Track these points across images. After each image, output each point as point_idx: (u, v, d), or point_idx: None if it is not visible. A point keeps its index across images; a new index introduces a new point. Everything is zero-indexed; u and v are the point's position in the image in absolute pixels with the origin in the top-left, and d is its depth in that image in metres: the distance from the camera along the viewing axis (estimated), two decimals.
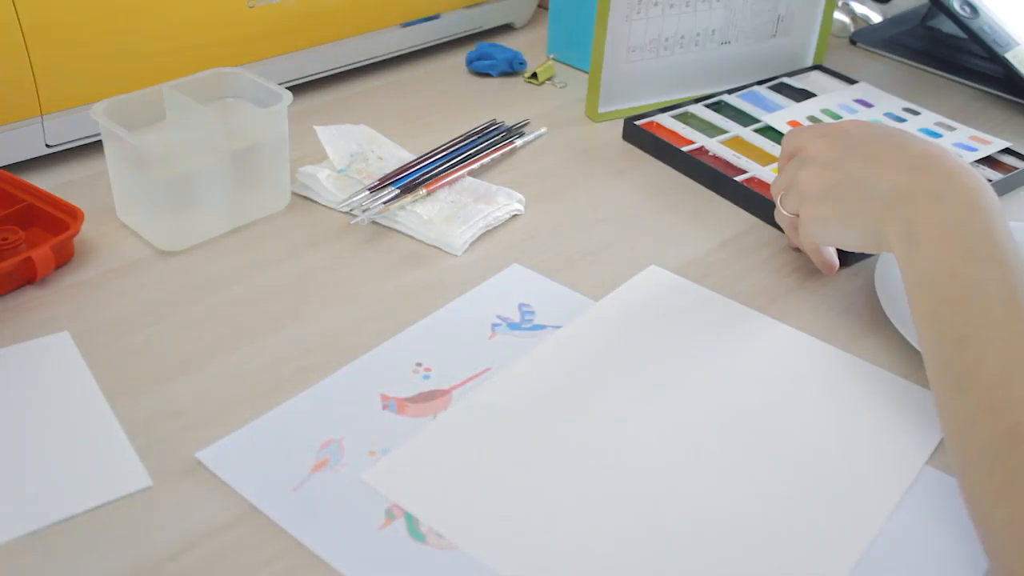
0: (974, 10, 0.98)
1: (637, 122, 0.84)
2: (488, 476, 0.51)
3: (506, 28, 1.06)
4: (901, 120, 0.88)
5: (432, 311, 0.63)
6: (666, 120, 0.85)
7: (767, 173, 0.77)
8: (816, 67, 0.96)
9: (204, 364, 0.58)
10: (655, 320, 0.63)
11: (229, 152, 0.67)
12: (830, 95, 0.91)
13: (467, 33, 1.01)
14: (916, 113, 0.89)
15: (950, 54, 1.04)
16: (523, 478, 0.51)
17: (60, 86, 0.73)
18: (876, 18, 1.12)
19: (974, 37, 0.96)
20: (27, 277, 0.63)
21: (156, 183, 0.65)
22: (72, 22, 0.72)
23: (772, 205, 0.68)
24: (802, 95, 0.91)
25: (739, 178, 0.76)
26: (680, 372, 0.59)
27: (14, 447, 0.52)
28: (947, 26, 1.06)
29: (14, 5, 0.69)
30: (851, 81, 0.94)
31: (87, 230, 0.68)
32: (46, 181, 0.72)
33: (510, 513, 0.49)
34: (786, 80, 0.93)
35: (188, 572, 0.46)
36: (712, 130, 0.84)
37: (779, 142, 0.80)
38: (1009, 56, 0.95)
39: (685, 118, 0.86)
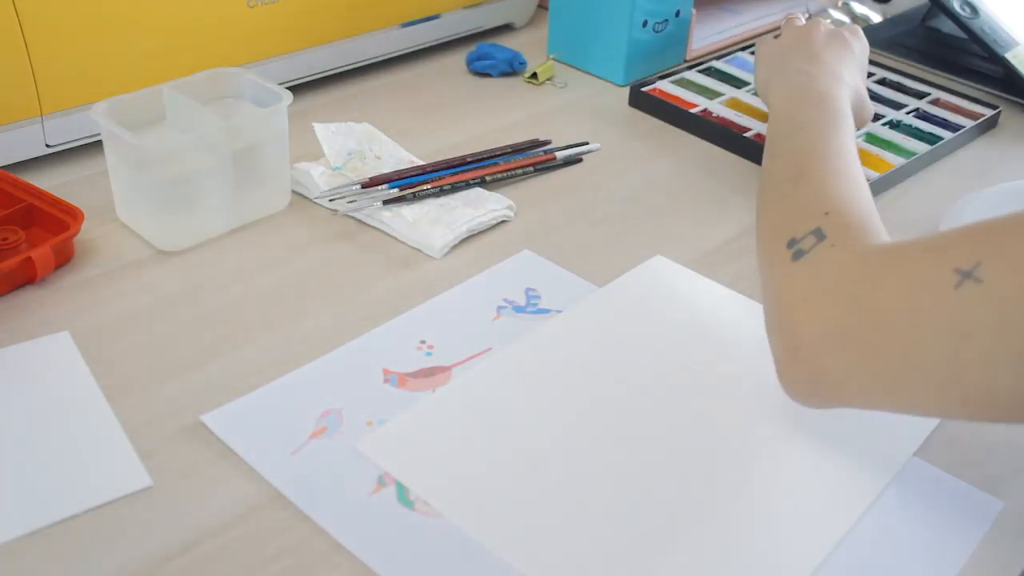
0: (974, 10, 0.98)
1: (643, 89, 0.90)
2: (479, 451, 0.53)
3: (506, 28, 1.06)
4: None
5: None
6: (666, 86, 0.92)
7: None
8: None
9: (204, 364, 0.58)
10: (655, 308, 0.64)
11: (229, 152, 0.67)
12: None
13: (467, 33, 1.00)
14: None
15: (950, 54, 1.04)
16: (513, 454, 0.53)
17: (60, 86, 0.73)
18: (876, 18, 1.12)
19: (974, 37, 0.96)
20: (27, 277, 0.63)
21: (156, 183, 0.65)
22: (72, 22, 0.72)
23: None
24: None
25: (747, 135, 0.84)
26: (677, 359, 0.60)
27: (14, 447, 0.52)
28: (947, 26, 1.06)
29: (14, 5, 0.69)
30: None
31: (87, 230, 0.68)
32: (46, 181, 0.72)
33: (498, 487, 0.51)
34: None
35: (188, 572, 0.46)
36: (709, 93, 0.91)
37: None
38: (1009, 56, 0.95)
39: (682, 83, 0.92)
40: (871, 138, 0.86)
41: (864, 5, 1.14)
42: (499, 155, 0.79)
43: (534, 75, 0.94)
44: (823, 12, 1.10)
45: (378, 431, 0.54)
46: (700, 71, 0.95)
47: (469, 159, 0.77)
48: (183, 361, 0.58)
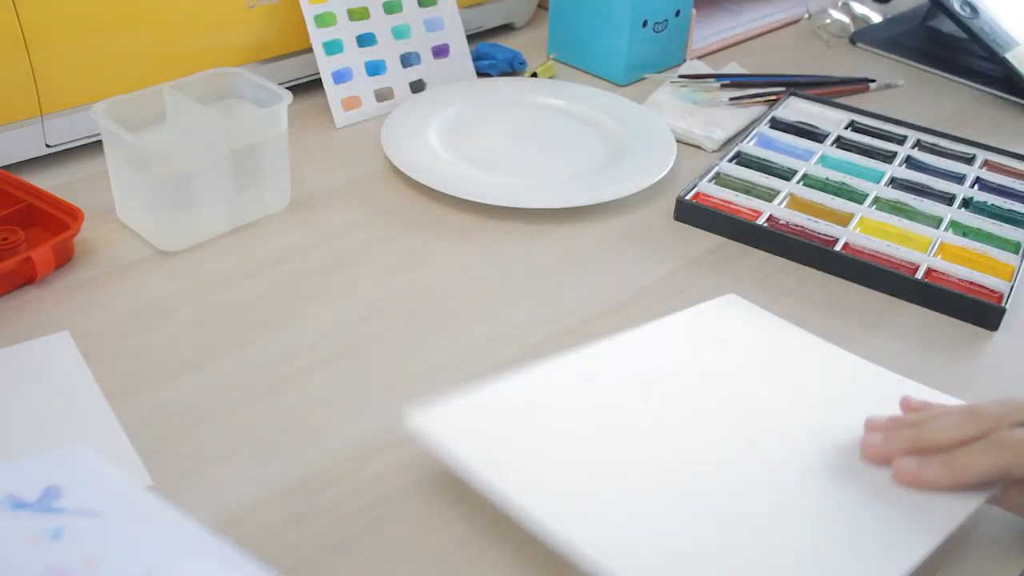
0: (974, 10, 0.98)
1: (687, 197, 0.75)
2: (537, 442, 0.51)
3: (506, 28, 1.06)
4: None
5: (432, 311, 0.63)
6: (710, 189, 0.76)
7: (854, 235, 0.71)
8: (791, 92, 0.91)
9: (204, 364, 0.58)
10: (727, 340, 0.61)
11: (229, 152, 0.67)
12: (829, 125, 0.86)
13: (467, 33, 1.00)
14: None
15: (950, 54, 1.04)
16: (574, 449, 0.51)
17: (60, 86, 0.73)
18: (876, 18, 1.12)
19: (974, 37, 0.96)
20: (27, 277, 0.63)
21: (156, 183, 0.65)
22: (72, 22, 0.72)
23: (880, 271, 0.67)
24: (803, 131, 0.86)
25: (837, 247, 0.70)
26: (744, 391, 0.57)
27: (14, 447, 0.51)
28: (947, 26, 1.06)
29: (14, 5, 0.69)
30: (830, 103, 0.90)
31: (87, 230, 0.68)
32: (46, 181, 0.72)
33: (556, 476, 0.49)
34: (776, 115, 0.87)
35: None
36: (758, 191, 0.77)
37: (824, 190, 0.77)
38: (1009, 56, 0.95)
39: (722, 181, 0.78)
40: (961, 228, 0.74)
41: (864, 5, 1.14)
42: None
43: (534, 75, 0.94)
44: (823, 12, 1.10)
45: (436, 409, 0.52)
46: (734, 161, 0.80)
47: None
48: (183, 361, 0.58)
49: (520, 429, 0.52)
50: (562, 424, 0.53)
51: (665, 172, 0.77)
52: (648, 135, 0.83)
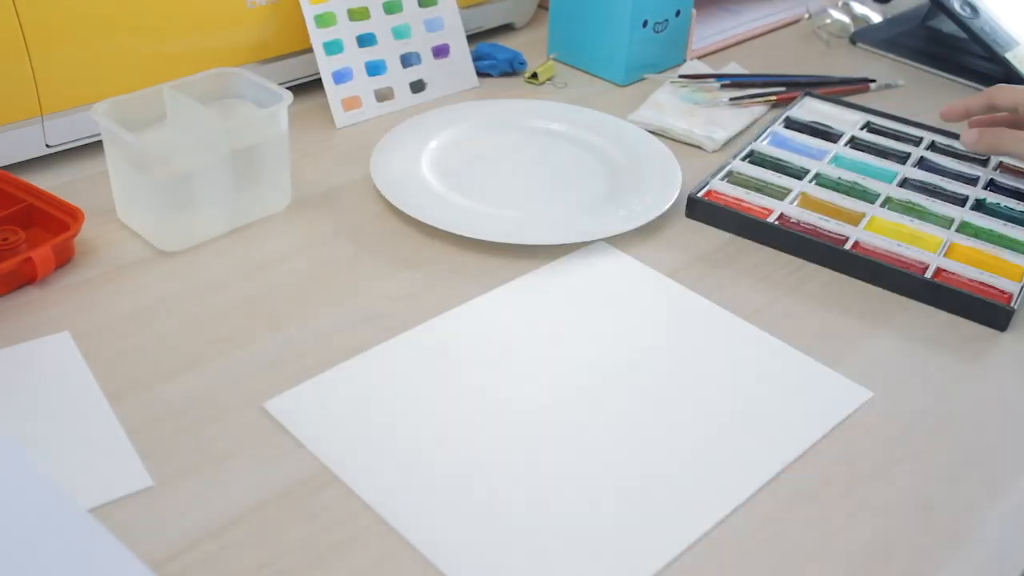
0: (974, 10, 0.98)
1: (699, 195, 0.75)
2: (393, 424, 0.54)
3: (506, 28, 1.06)
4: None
5: (430, 312, 0.63)
6: (722, 186, 0.76)
7: (865, 234, 0.71)
8: (806, 93, 0.91)
9: (204, 364, 0.58)
10: (589, 289, 0.66)
11: (229, 152, 0.67)
12: (844, 126, 0.86)
13: (467, 33, 1.00)
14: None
15: (950, 54, 1.04)
16: (428, 428, 0.54)
17: (60, 86, 0.73)
18: (876, 18, 1.12)
19: (974, 37, 0.96)
20: (27, 277, 0.63)
21: (156, 183, 0.65)
22: (72, 22, 0.72)
23: (889, 269, 0.68)
24: (818, 131, 0.85)
25: (846, 246, 0.70)
26: (604, 338, 0.62)
27: None
28: (947, 26, 1.06)
29: (14, 5, 0.69)
30: (846, 104, 0.90)
31: (87, 230, 0.68)
32: (46, 181, 0.72)
33: (405, 462, 0.52)
34: (790, 114, 0.87)
35: (188, 572, 0.46)
36: (769, 189, 0.77)
37: (836, 189, 0.77)
38: (1009, 56, 0.95)
39: (734, 179, 0.78)
40: (973, 229, 0.73)
41: (864, 5, 1.14)
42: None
43: (534, 75, 0.94)
44: (823, 12, 1.10)
45: (290, 392, 0.56)
46: (747, 160, 0.80)
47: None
48: (183, 361, 0.58)
49: (366, 408, 0.55)
50: (408, 400, 0.56)
51: (669, 204, 0.74)
52: (650, 160, 0.80)
